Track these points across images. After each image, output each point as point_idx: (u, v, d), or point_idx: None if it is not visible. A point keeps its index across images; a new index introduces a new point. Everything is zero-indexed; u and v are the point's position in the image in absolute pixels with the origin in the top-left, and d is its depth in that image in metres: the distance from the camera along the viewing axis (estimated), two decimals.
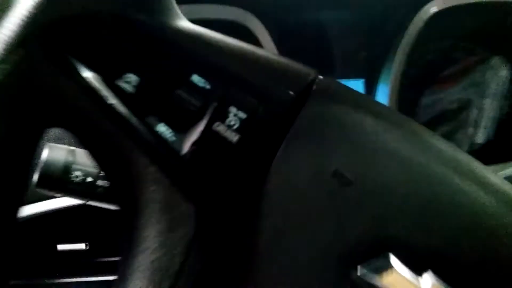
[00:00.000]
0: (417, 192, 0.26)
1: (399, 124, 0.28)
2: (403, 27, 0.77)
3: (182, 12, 0.31)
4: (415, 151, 0.27)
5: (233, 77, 0.27)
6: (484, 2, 0.73)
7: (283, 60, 0.30)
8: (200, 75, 0.27)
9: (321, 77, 0.29)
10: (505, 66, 0.84)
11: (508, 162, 0.63)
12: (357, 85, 0.87)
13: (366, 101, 0.30)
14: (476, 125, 0.85)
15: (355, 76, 0.87)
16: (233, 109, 0.26)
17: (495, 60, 0.84)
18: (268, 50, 0.76)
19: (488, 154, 0.82)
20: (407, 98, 0.86)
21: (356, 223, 0.26)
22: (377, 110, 0.29)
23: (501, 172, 0.50)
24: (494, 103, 0.84)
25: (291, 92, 0.27)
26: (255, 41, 0.74)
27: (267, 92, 0.27)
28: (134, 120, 0.26)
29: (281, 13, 0.81)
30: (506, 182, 0.27)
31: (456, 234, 0.25)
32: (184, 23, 0.30)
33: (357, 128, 0.27)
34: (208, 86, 0.26)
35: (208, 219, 0.25)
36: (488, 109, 0.84)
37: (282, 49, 0.83)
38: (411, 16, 0.75)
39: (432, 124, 0.86)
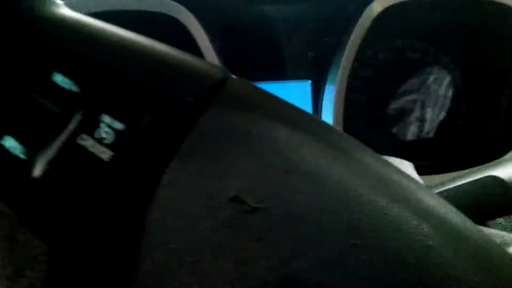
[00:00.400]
0: (335, 220, 0.21)
1: (321, 136, 0.23)
2: (351, 25, 0.73)
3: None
4: (337, 170, 0.22)
5: (110, 77, 0.21)
6: None
7: (186, 58, 0.24)
8: (64, 74, 0.21)
9: (234, 77, 0.24)
10: (455, 67, 0.82)
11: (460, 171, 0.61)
12: (304, 86, 0.83)
13: (282, 109, 0.25)
14: (420, 125, 0.83)
15: (302, 77, 0.83)
16: (106, 118, 0.20)
17: (445, 60, 0.82)
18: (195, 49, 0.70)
19: (431, 155, 0.80)
20: (356, 100, 0.83)
21: (258, 260, 0.20)
22: (294, 120, 0.24)
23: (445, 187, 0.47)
24: (439, 104, 0.82)
25: (187, 98, 0.22)
26: (189, 39, 0.69)
27: (154, 97, 0.21)
28: None
29: (219, 7, 0.76)
30: (444, 203, 0.23)
31: (381, 274, 0.20)
32: (59, 10, 0.24)
33: (265, 142, 0.22)
34: (74, 88, 0.21)
35: (66, 261, 0.19)
36: (432, 110, 0.82)
37: (221, 48, 0.78)
38: (359, 14, 0.71)
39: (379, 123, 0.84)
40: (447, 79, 0.82)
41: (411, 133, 0.82)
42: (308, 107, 0.83)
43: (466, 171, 0.48)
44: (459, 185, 0.48)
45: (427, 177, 0.69)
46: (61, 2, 0.27)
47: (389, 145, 0.83)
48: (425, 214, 0.21)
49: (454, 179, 0.46)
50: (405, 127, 0.82)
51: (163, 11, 0.68)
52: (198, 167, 0.21)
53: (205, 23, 0.69)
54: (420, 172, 0.71)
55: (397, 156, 0.80)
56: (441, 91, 0.82)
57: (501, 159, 0.69)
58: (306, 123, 0.24)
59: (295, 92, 0.83)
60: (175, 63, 0.24)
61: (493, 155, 0.70)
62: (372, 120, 0.83)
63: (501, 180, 0.43)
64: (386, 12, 0.69)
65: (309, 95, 0.82)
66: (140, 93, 0.21)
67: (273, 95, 0.25)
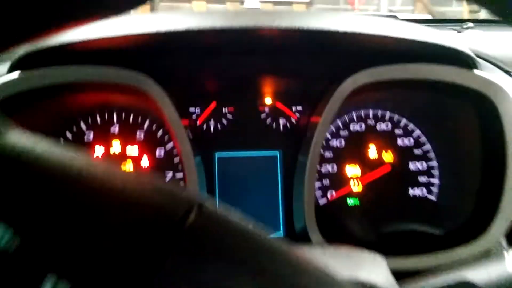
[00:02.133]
0: None
1: None
2: (323, 99, 0.72)
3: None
4: None
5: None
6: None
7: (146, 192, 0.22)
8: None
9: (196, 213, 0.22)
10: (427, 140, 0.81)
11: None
12: (274, 156, 0.81)
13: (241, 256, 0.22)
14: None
15: (271, 147, 0.81)
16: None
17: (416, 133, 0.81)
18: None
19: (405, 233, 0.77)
20: (327, 171, 0.81)
21: None
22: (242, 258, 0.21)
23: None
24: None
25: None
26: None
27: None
28: None
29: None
30: None
31: None
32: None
33: None
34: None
35: None
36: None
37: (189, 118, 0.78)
38: (333, 88, 0.70)
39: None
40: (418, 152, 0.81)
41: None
42: (276, 177, 0.80)
43: (440, 274, 0.45)
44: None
45: (401, 259, 0.67)
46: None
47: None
48: None
49: (427, 282, 0.43)
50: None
51: (127, 82, 0.66)
52: None
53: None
54: (394, 252, 0.68)
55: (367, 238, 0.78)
56: (412, 165, 0.81)
57: (473, 252, 0.66)
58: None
59: (264, 162, 0.81)
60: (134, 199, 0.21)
61: (464, 237, 0.68)
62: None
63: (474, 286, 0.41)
64: (359, 89, 0.68)
65: (278, 165, 0.80)
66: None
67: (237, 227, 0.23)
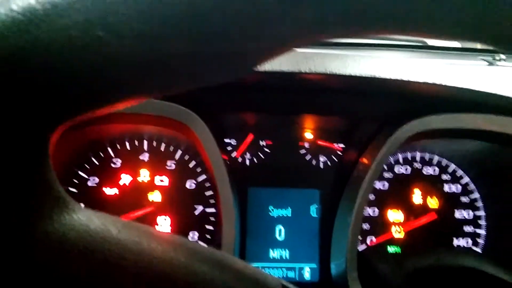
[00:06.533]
0: None
1: None
2: (374, 144, 0.67)
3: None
4: None
5: None
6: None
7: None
8: None
9: None
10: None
11: None
12: (312, 194, 0.76)
13: None
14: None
15: (310, 185, 0.76)
16: None
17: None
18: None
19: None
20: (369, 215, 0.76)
21: None
22: None
23: None
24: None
25: None
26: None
27: None
28: None
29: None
30: None
31: None
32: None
33: None
34: None
35: None
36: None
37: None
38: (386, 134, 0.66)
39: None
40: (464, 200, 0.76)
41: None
42: (314, 218, 0.75)
43: None
44: None
45: None
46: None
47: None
48: None
49: None
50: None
51: (170, 116, 0.61)
52: None
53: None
54: None
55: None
56: (458, 213, 0.76)
57: None
58: None
59: (301, 201, 0.76)
60: None
61: None
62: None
63: None
64: (414, 136, 0.63)
65: (316, 205, 0.75)
66: None
67: None
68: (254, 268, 0.23)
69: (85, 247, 0.20)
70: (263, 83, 0.67)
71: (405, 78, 0.60)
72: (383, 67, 0.61)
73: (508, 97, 0.63)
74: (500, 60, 0.99)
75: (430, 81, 0.61)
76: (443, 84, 0.61)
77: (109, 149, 0.74)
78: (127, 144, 0.74)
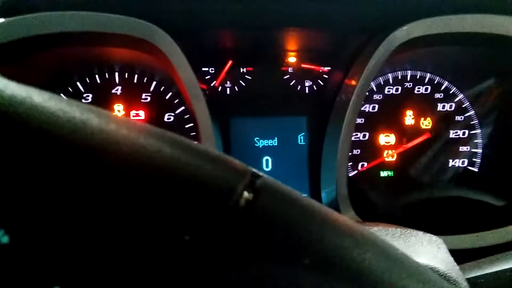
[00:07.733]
0: None
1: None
2: (360, 59, 0.62)
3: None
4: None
5: None
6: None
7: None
8: None
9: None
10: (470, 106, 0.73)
11: None
12: (300, 122, 0.72)
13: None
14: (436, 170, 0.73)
15: (298, 112, 0.71)
16: None
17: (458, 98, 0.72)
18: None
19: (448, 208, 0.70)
20: (358, 139, 0.72)
21: None
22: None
23: None
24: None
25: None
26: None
27: None
28: None
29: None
30: None
31: None
32: None
33: None
34: None
35: None
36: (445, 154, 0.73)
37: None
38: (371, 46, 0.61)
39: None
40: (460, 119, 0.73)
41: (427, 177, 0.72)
42: (301, 146, 0.71)
43: (504, 254, 0.40)
44: (496, 272, 0.42)
45: (451, 237, 0.59)
46: None
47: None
48: None
49: (491, 262, 0.39)
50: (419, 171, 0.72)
51: (133, 33, 0.55)
52: None
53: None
54: (443, 232, 0.60)
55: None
56: (453, 133, 0.73)
57: None
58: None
59: (289, 127, 0.72)
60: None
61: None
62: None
63: None
64: (406, 43, 0.58)
65: (303, 132, 0.71)
66: None
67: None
68: (221, 153, 0.20)
69: None
70: None
71: None
72: None
73: None
74: None
75: None
76: None
77: (79, 84, 0.68)
78: (97, 77, 0.69)
